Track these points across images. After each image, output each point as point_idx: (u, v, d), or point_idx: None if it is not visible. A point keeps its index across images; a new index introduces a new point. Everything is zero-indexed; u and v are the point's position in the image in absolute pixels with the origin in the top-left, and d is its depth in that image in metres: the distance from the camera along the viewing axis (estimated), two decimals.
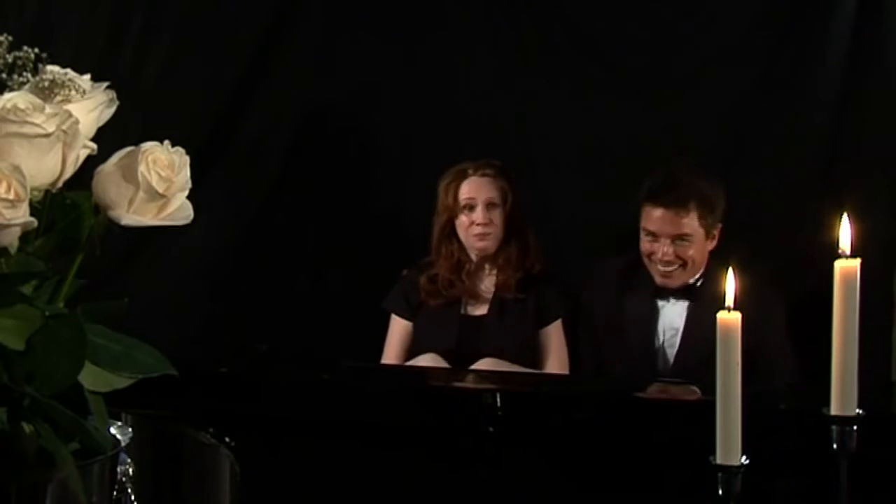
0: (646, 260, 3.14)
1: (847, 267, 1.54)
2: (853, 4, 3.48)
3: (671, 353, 3.15)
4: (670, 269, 3.08)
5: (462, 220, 3.27)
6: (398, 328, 3.35)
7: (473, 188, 3.27)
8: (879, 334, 3.39)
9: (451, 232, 3.30)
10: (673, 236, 3.05)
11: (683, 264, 3.08)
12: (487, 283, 3.32)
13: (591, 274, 3.37)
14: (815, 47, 3.53)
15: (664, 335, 3.16)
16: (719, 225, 3.13)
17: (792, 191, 3.57)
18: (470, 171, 3.29)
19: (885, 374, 3.38)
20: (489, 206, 3.25)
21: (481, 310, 3.31)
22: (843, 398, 1.53)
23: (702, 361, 2.84)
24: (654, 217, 3.07)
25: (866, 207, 2.55)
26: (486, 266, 3.32)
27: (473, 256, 3.31)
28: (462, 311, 3.31)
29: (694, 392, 2.70)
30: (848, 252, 1.54)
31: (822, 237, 1.82)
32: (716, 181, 3.15)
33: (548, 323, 3.28)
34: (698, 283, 3.14)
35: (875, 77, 3.50)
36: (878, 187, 3.45)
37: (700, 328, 3.01)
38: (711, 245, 3.12)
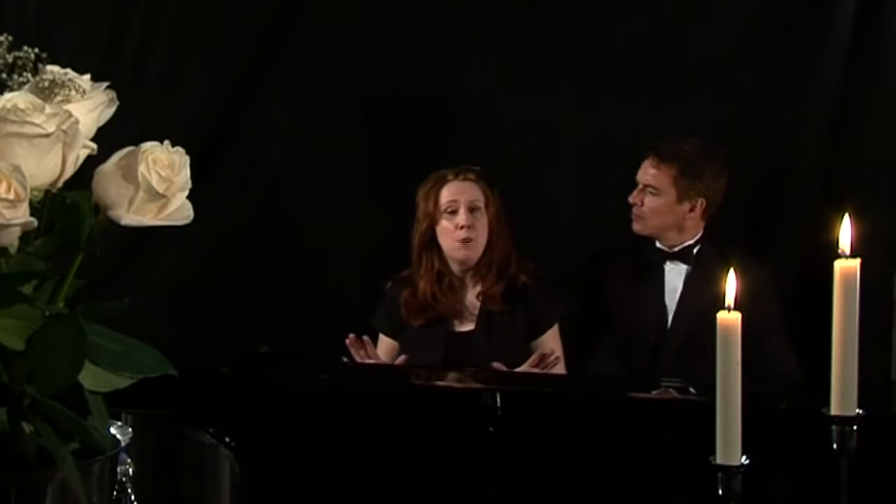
0: None
1: (847, 267, 1.53)
2: (853, 4, 3.48)
3: (669, 317, 3.27)
4: (635, 213, 3.27)
5: (444, 225, 3.18)
6: (385, 347, 3.29)
7: (455, 191, 3.19)
8: (879, 334, 3.39)
9: (431, 240, 3.21)
10: (645, 184, 3.25)
11: (643, 214, 3.26)
12: (471, 298, 3.23)
13: (596, 258, 3.49)
14: (815, 47, 3.53)
15: (665, 301, 3.28)
16: (702, 199, 3.24)
17: (792, 191, 3.57)
18: (450, 177, 3.22)
19: (885, 374, 3.38)
20: (472, 209, 3.17)
21: (468, 326, 3.23)
22: (843, 398, 1.53)
23: (696, 324, 3.13)
24: (641, 167, 3.28)
25: (866, 207, 2.56)
26: (468, 279, 3.23)
27: (455, 268, 3.23)
28: (448, 329, 3.23)
29: (692, 393, 2.71)
30: (848, 252, 1.54)
31: (822, 237, 1.82)
32: (718, 162, 3.27)
33: (541, 333, 3.22)
34: (694, 250, 3.29)
35: (875, 77, 3.50)
36: (878, 187, 3.45)
37: (696, 291, 3.20)
38: (691, 215, 3.26)
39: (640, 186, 3.26)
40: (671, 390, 2.86)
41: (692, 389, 2.73)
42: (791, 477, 2.37)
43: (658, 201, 3.24)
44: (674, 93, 3.60)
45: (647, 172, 3.26)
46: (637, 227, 3.29)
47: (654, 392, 2.87)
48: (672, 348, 3.23)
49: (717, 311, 1.50)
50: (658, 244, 3.31)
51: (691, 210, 3.25)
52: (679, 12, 3.63)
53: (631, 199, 3.27)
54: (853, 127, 3.51)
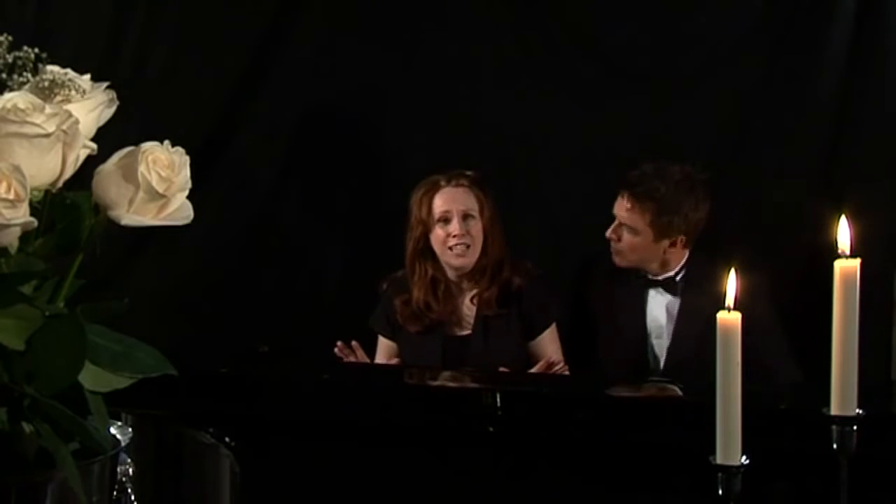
0: None
1: (847, 267, 1.53)
2: (853, 5, 3.48)
3: (660, 343, 3.24)
4: (613, 247, 3.22)
5: (438, 233, 3.15)
6: (384, 347, 3.28)
7: (448, 199, 3.15)
8: (879, 334, 3.39)
9: (425, 248, 3.18)
10: (620, 222, 3.19)
11: (621, 250, 3.21)
12: (467, 302, 3.22)
13: (582, 274, 3.46)
14: (815, 48, 3.53)
15: (653, 328, 3.24)
16: (682, 237, 3.19)
17: (792, 191, 3.57)
18: (443, 183, 3.17)
19: (885, 374, 3.38)
20: (465, 217, 3.14)
21: (465, 329, 3.22)
22: (843, 398, 1.53)
23: (689, 353, 3.08)
24: (617, 202, 3.21)
25: (866, 207, 2.55)
26: (464, 285, 3.22)
27: (450, 274, 3.21)
28: (446, 333, 3.22)
29: (688, 392, 2.71)
30: (848, 252, 1.54)
31: (822, 237, 1.82)
32: (697, 191, 3.19)
33: (538, 333, 3.21)
34: (677, 278, 3.23)
35: (875, 78, 3.50)
36: (878, 187, 3.45)
37: (687, 319, 3.16)
38: (672, 250, 3.21)
39: (617, 222, 3.20)
40: (659, 386, 2.87)
41: (678, 387, 2.74)
42: (791, 477, 2.37)
43: (635, 240, 3.19)
44: (674, 93, 3.60)
45: (623, 210, 3.19)
46: (617, 260, 3.24)
47: (640, 386, 2.87)
48: (668, 375, 3.20)
49: (709, 338, 1.50)
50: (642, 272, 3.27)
51: (671, 245, 3.20)
52: (679, 12, 3.63)
53: (608, 235, 3.22)
54: (853, 127, 3.51)
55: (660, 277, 3.24)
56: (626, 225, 3.18)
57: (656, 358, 3.25)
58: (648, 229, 3.16)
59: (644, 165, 3.20)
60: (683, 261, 3.23)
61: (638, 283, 3.26)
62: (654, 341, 3.25)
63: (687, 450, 1.66)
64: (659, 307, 3.25)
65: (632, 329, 3.25)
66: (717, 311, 1.49)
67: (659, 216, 3.15)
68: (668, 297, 3.24)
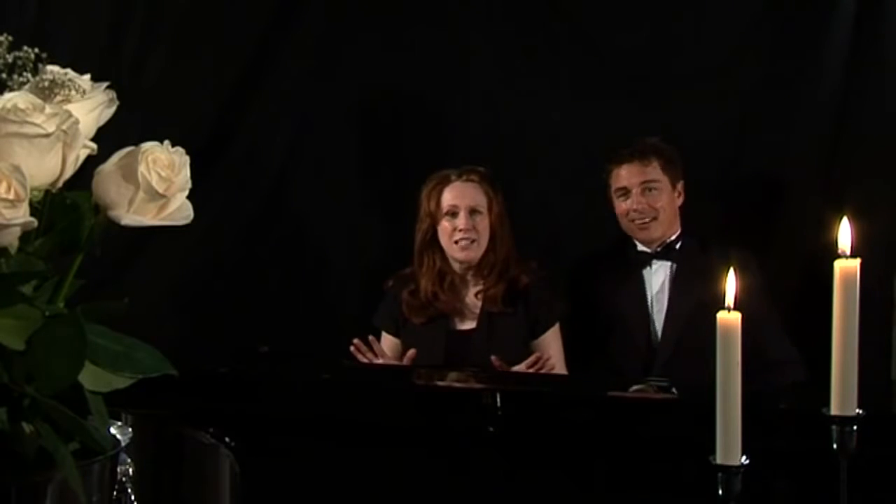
0: (624, 224, 3.31)
1: (847, 267, 1.53)
2: (853, 4, 3.48)
3: (659, 317, 3.27)
4: (646, 219, 3.26)
5: (444, 226, 3.19)
6: (388, 344, 3.28)
7: (457, 194, 3.20)
8: (879, 334, 3.39)
9: (433, 240, 3.22)
10: (642, 185, 3.26)
11: (656, 215, 3.26)
12: (472, 297, 3.24)
13: (580, 267, 3.49)
14: (815, 47, 3.53)
15: (653, 302, 3.29)
16: (681, 181, 3.31)
17: (792, 191, 3.57)
18: (453, 177, 3.22)
19: (885, 374, 3.38)
20: (473, 212, 3.18)
21: (469, 324, 3.24)
22: (843, 398, 1.53)
23: (687, 321, 3.15)
24: (622, 174, 3.30)
25: (866, 207, 2.55)
26: (470, 278, 3.24)
27: (456, 268, 3.24)
28: (449, 327, 3.24)
29: (687, 392, 2.71)
30: (848, 252, 1.54)
31: (822, 237, 1.82)
32: (667, 142, 3.33)
33: (542, 332, 3.22)
34: (677, 245, 3.30)
35: (875, 77, 3.50)
36: (878, 187, 3.45)
37: (684, 288, 3.23)
38: (679, 201, 3.31)
39: (638, 190, 3.24)
40: (654, 387, 2.87)
41: (674, 390, 2.74)
42: (791, 477, 2.37)
43: (662, 194, 3.26)
44: (673, 93, 3.60)
45: (641, 172, 3.25)
46: (654, 234, 3.27)
47: (634, 388, 2.87)
48: (665, 350, 3.22)
49: (706, 308, 1.50)
50: (640, 246, 3.31)
51: (679, 196, 3.31)
52: (679, 13, 3.63)
53: (636, 206, 3.24)
54: (853, 127, 3.52)
55: (658, 246, 3.29)
56: (646, 182, 3.25)
57: (656, 332, 3.27)
58: (664, 176, 3.27)
59: (627, 143, 3.32)
60: (679, 228, 3.31)
61: (639, 260, 3.30)
62: (655, 316, 3.28)
63: (687, 450, 1.66)
64: (661, 277, 3.29)
65: (634, 308, 3.29)
66: (712, 278, 1.50)
67: (667, 162, 3.27)
68: (668, 264, 3.28)
